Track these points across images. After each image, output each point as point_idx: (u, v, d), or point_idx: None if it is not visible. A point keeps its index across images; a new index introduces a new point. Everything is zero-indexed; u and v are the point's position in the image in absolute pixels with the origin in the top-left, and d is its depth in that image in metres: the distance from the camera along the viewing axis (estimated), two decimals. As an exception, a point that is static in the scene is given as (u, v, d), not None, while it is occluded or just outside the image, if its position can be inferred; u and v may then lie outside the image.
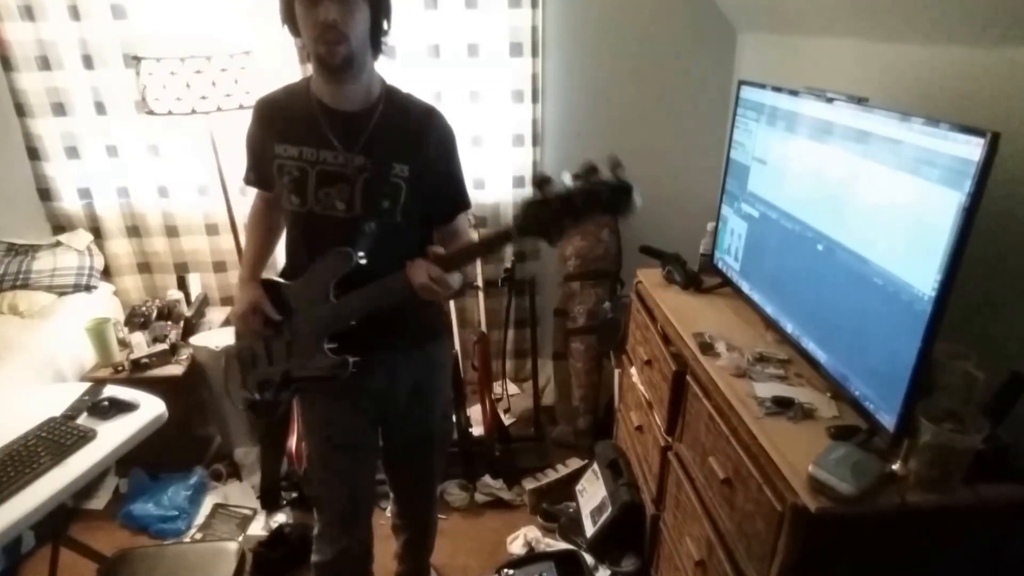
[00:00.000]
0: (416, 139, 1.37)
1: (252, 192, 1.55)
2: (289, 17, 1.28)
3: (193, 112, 2.15)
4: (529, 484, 2.37)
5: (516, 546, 2.15)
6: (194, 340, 2.42)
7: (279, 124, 1.37)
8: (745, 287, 1.78)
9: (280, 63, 2.31)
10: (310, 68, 1.35)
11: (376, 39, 1.31)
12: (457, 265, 1.32)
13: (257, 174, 1.48)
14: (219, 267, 2.69)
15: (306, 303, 1.40)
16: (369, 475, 1.62)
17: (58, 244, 2.54)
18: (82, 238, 2.57)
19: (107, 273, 2.65)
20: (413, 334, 1.49)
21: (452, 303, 2.57)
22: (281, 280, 1.46)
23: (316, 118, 1.34)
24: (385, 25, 1.31)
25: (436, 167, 1.41)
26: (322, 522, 1.63)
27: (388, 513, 1.97)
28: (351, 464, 1.57)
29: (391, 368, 1.48)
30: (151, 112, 2.16)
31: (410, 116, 1.38)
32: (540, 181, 1.21)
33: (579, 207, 1.18)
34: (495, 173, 2.62)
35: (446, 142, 1.43)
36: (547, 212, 1.19)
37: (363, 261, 1.32)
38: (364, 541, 1.68)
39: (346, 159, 1.33)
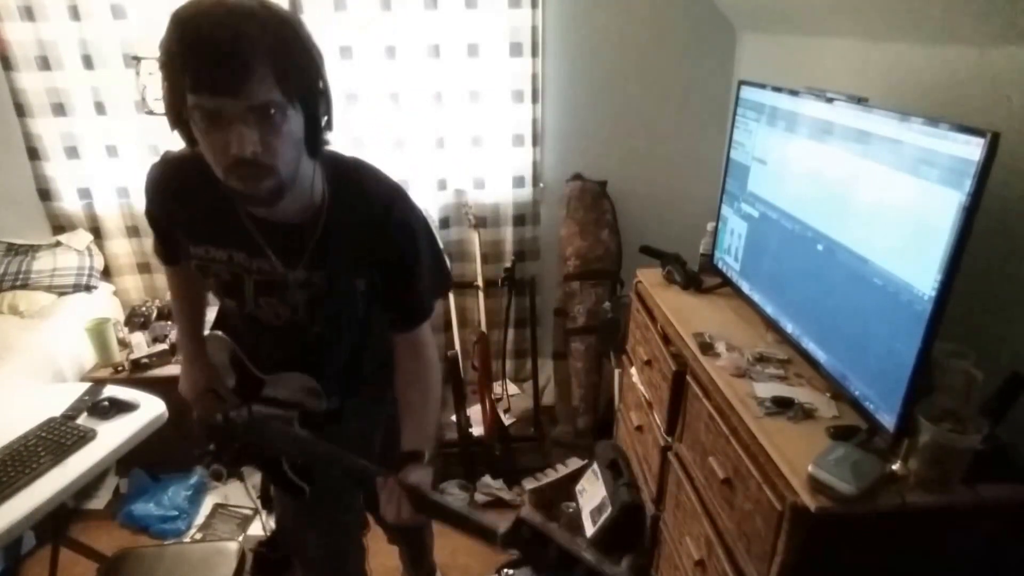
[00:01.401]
0: (372, 249, 1.10)
1: None
2: (179, 122, 0.92)
3: (193, 112, 2.15)
4: (529, 484, 2.36)
5: (516, 546, 2.15)
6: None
7: (195, 221, 1.09)
8: (745, 287, 1.78)
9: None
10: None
11: (314, 142, 0.99)
12: (431, 515, 1.12)
13: (169, 256, 1.26)
14: (219, 267, 2.69)
15: (269, 406, 1.27)
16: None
17: (58, 244, 2.54)
18: (82, 238, 2.57)
19: (107, 273, 2.65)
20: (377, 388, 1.35)
21: (452, 302, 2.57)
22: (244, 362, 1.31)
23: (242, 224, 1.06)
24: (324, 120, 1.00)
25: (397, 277, 1.15)
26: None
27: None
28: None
29: (363, 415, 1.35)
30: (151, 112, 2.16)
31: (363, 220, 1.08)
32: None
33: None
34: (495, 173, 2.62)
35: (409, 245, 1.12)
36: (540, 551, 1.03)
37: (333, 406, 1.23)
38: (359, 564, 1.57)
39: (284, 275, 1.09)
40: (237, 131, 0.87)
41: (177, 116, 0.91)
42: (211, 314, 1.41)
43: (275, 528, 1.57)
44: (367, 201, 1.09)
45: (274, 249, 1.08)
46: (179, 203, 1.10)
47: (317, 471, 1.30)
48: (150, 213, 1.19)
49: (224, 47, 0.83)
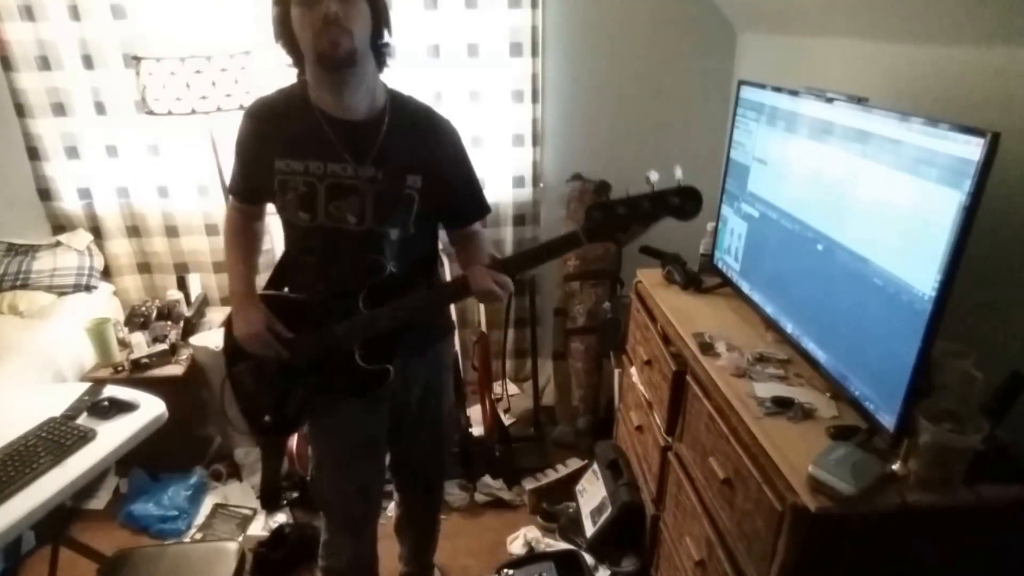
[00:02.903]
0: (427, 148, 1.34)
1: None
2: (284, 31, 1.23)
3: (193, 112, 2.15)
4: (529, 484, 2.37)
5: (516, 546, 2.15)
6: (194, 340, 2.42)
7: (279, 137, 1.30)
8: (745, 287, 1.78)
9: (280, 63, 2.31)
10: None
11: (377, 46, 1.27)
12: (520, 270, 1.32)
13: (248, 187, 1.41)
14: (219, 267, 2.69)
15: (331, 316, 1.35)
16: (381, 479, 1.63)
17: (58, 244, 2.54)
18: (82, 238, 2.57)
19: (107, 273, 2.65)
20: (425, 335, 1.50)
21: (445, 308, 2.57)
22: (292, 295, 1.43)
23: (322, 129, 1.28)
24: (386, 34, 1.28)
25: (449, 175, 1.37)
26: (330, 530, 1.61)
27: (390, 514, 1.97)
28: (367, 468, 1.56)
29: (404, 370, 1.46)
30: (151, 112, 2.16)
31: (417, 123, 1.35)
32: (600, 187, 1.38)
33: (647, 211, 1.18)
34: (495, 173, 2.61)
35: (457, 146, 1.39)
36: (613, 216, 1.16)
37: (394, 270, 1.34)
38: (373, 545, 1.68)
39: (356, 171, 1.29)
40: (327, 3, 1.15)
41: (283, 24, 1.21)
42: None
43: (311, 479, 1.61)
44: (418, 108, 1.37)
45: (347, 147, 1.29)
46: (271, 123, 1.31)
47: (392, 355, 1.40)
48: (243, 145, 1.36)
49: None
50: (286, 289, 1.47)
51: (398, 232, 1.34)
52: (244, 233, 1.48)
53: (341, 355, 1.36)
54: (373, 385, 1.40)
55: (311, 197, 1.30)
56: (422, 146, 1.33)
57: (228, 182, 1.43)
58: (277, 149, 1.30)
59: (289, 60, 1.30)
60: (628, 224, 1.16)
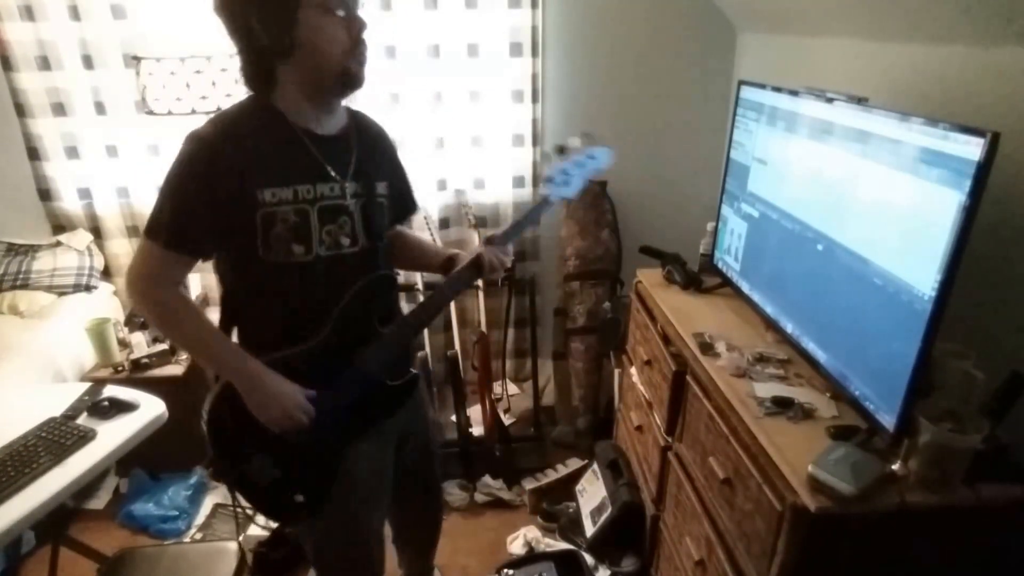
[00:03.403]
0: (384, 154, 1.35)
1: None
2: (282, 41, 1.09)
3: (193, 112, 2.15)
4: (529, 484, 2.37)
5: (516, 546, 2.15)
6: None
7: (258, 164, 1.12)
8: (745, 287, 1.78)
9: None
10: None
11: None
12: (510, 239, 1.42)
13: (202, 233, 1.14)
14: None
15: (345, 352, 1.25)
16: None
17: (58, 244, 2.54)
18: (82, 238, 2.57)
19: (107, 273, 2.65)
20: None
21: (452, 303, 2.57)
22: (300, 348, 1.22)
23: (305, 148, 1.18)
24: None
25: (398, 176, 1.41)
26: None
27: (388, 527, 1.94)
28: (384, 503, 1.47)
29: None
30: (151, 112, 2.16)
31: (373, 130, 1.35)
32: (560, 148, 1.51)
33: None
34: (495, 173, 2.62)
35: (395, 147, 1.43)
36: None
37: (400, 278, 1.35)
38: None
39: (343, 189, 1.22)
40: (359, 17, 1.12)
41: (284, 33, 1.08)
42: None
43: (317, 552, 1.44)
44: (365, 115, 1.36)
45: (332, 164, 1.21)
46: (243, 149, 1.12)
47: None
48: (200, 177, 1.11)
49: None
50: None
51: (382, 243, 1.31)
52: (187, 299, 1.24)
53: (372, 385, 1.30)
54: (404, 399, 1.38)
55: (305, 226, 1.17)
56: (381, 153, 1.34)
57: (155, 230, 1.12)
58: (257, 178, 1.12)
59: (236, 73, 1.18)
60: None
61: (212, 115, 1.17)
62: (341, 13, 1.11)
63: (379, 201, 1.30)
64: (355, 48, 1.13)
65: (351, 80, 1.16)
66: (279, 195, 1.14)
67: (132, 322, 2.52)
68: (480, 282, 2.56)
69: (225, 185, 1.11)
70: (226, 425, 1.21)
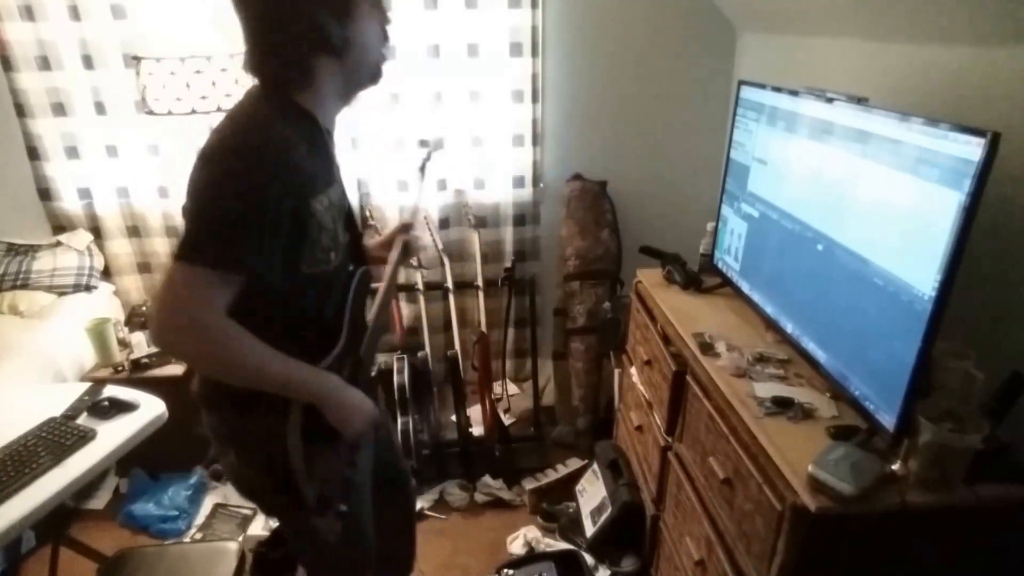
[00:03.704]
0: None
1: None
2: (347, 25, 1.04)
3: (193, 112, 2.15)
4: (529, 484, 2.37)
5: (516, 546, 2.15)
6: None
7: (309, 173, 1.06)
8: (745, 287, 1.78)
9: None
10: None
11: None
12: (417, 219, 1.51)
13: (250, 254, 0.99)
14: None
15: (355, 348, 1.27)
16: None
17: (58, 244, 2.54)
18: (82, 238, 2.57)
19: (107, 273, 2.65)
20: None
21: (452, 302, 2.57)
22: (332, 354, 1.19)
23: (329, 150, 1.16)
24: None
25: None
26: None
27: None
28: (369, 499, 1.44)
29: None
30: (151, 112, 2.16)
31: None
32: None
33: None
34: (495, 173, 2.62)
35: None
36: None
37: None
38: None
39: (341, 186, 1.21)
40: (382, 8, 1.09)
41: (343, 23, 1.03)
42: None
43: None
44: None
45: (337, 163, 1.20)
46: (303, 157, 1.04)
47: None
48: (273, 202, 0.98)
49: None
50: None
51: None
52: (238, 325, 1.04)
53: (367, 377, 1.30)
54: (376, 384, 1.40)
55: (335, 232, 1.13)
56: None
57: (199, 250, 0.97)
58: (310, 187, 1.06)
59: (238, 73, 1.17)
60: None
61: (246, 120, 1.04)
62: (379, 11, 1.10)
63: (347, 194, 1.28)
64: (387, 41, 1.13)
65: (380, 75, 1.15)
66: (323, 202, 1.09)
67: (132, 322, 2.52)
68: (480, 281, 2.57)
69: (287, 198, 1.00)
70: (319, 451, 1.16)
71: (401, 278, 2.65)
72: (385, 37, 1.13)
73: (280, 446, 1.12)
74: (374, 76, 1.15)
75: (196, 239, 0.97)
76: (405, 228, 1.47)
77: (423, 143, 1.72)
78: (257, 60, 1.06)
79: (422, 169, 1.68)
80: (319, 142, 1.11)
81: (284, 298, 1.10)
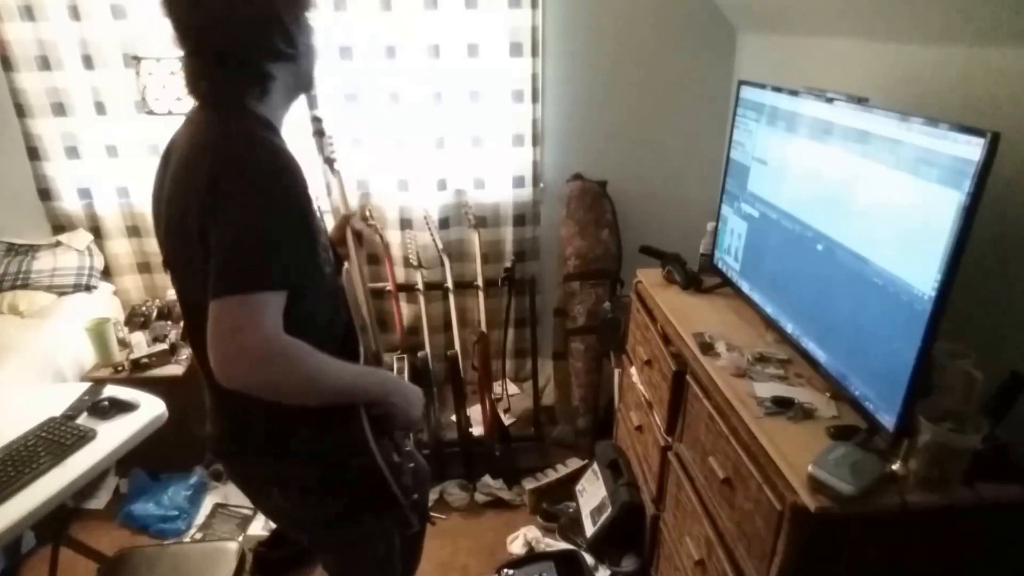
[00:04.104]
0: None
1: None
2: (288, 40, 1.03)
3: (193, 112, 2.15)
4: (529, 484, 2.37)
5: (516, 546, 2.15)
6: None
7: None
8: (745, 287, 1.78)
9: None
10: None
11: None
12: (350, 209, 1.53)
13: (305, 265, 1.03)
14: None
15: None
16: None
17: (58, 244, 2.54)
18: (82, 238, 2.57)
19: (107, 273, 2.65)
20: None
21: (452, 302, 2.57)
22: (361, 352, 1.20)
23: None
24: None
25: None
26: None
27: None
28: None
29: None
30: (151, 112, 2.16)
31: None
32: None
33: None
34: (495, 173, 2.61)
35: None
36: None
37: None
38: None
39: None
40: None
41: (287, 32, 1.01)
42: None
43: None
44: None
45: None
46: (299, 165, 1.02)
47: None
48: (304, 209, 0.99)
49: None
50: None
51: None
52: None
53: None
54: None
55: (327, 242, 1.14)
56: None
57: (259, 276, 0.94)
58: (311, 198, 1.04)
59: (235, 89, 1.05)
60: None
61: (240, 141, 0.99)
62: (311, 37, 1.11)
63: None
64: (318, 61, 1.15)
65: (312, 86, 1.17)
66: (318, 214, 1.08)
67: (132, 322, 2.52)
68: (480, 281, 2.57)
69: (311, 208, 1.01)
70: (391, 451, 1.18)
71: (400, 277, 2.66)
72: (318, 50, 1.15)
73: (364, 451, 1.13)
74: (311, 83, 1.15)
75: (250, 266, 0.93)
76: (347, 219, 1.45)
77: (315, 120, 1.59)
78: (211, 71, 1.02)
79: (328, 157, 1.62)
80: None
81: (313, 310, 1.08)
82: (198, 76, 1.03)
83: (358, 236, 1.45)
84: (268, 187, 0.95)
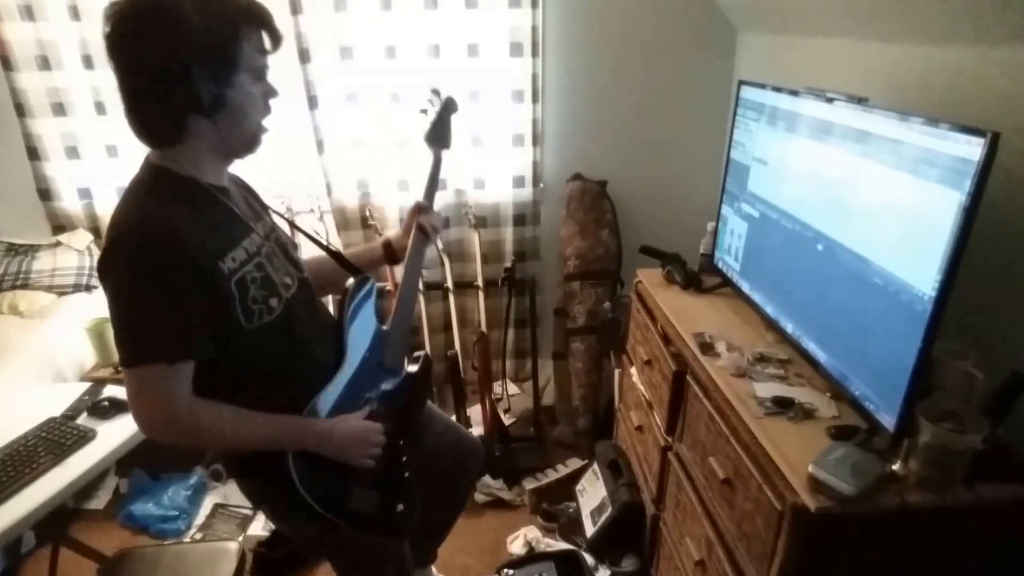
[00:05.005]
0: (249, 190, 1.35)
1: None
2: (222, 89, 1.05)
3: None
4: (529, 484, 2.37)
5: (516, 546, 2.15)
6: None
7: (207, 239, 1.07)
8: (745, 287, 1.78)
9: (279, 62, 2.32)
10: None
11: None
12: (432, 201, 1.53)
13: (197, 335, 1.06)
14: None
15: (367, 359, 1.32)
16: None
17: (58, 244, 2.54)
18: (82, 238, 2.57)
19: (107, 273, 2.65)
20: None
21: (452, 302, 2.57)
22: (327, 388, 1.24)
23: (225, 205, 1.16)
24: None
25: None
26: None
27: None
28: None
29: None
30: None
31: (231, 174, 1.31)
32: (423, 111, 1.64)
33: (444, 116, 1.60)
34: (495, 173, 2.61)
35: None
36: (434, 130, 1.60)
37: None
38: None
39: (259, 233, 1.21)
40: (267, 83, 1.13)
41: (220, 95, 1.05)
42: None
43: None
44: None
45: (243, 214, 1.20)
46: (192, 225, 1.05)
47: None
48: (170, 284, 1.01)
49: (270, 15, 1.10)
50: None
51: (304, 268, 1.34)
52: (208, 401, 1.10)
53: (395, 377, 1.41)
54: (427, 375, 1.50)
55: (268, 279, 1.16)
56: (247, 190, 1.33)
57: (150, 351, 1.02)
58: (211, 251, 1.07)
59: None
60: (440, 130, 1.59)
61: (125, 215, 1.06)
62: (263, 84, 1.13)
63: (280, 233, 1.31)
64: (268, 112, 1.16)
65: (255, 145, 1.17)
66: (237, 258, 1.11)
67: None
68: (480, 281, 2.57)
69: (190, 274, 1.03)
70: (317, 477, 1.19)
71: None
72: (266, 108, 1.15)
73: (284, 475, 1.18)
74: (250, 144, 1.15)
75: (139, 341, 1.03)
76: (418, 209, 1.49)
77: (435, 92, 1.64)
78: (130, 113, 1.11)
79: (432, 135, 1.58)
80: (210, 201, 1.13)
81: (249, 354, 1.14)
82: (129, 123, 1.13)
83: (421, 230, 1.46)
84: (133, 269, 1.01)
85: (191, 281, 1.03)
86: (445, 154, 1.59)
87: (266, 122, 1.17)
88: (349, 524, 1.24)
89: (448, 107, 1.61)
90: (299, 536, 1.40)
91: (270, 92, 1.15)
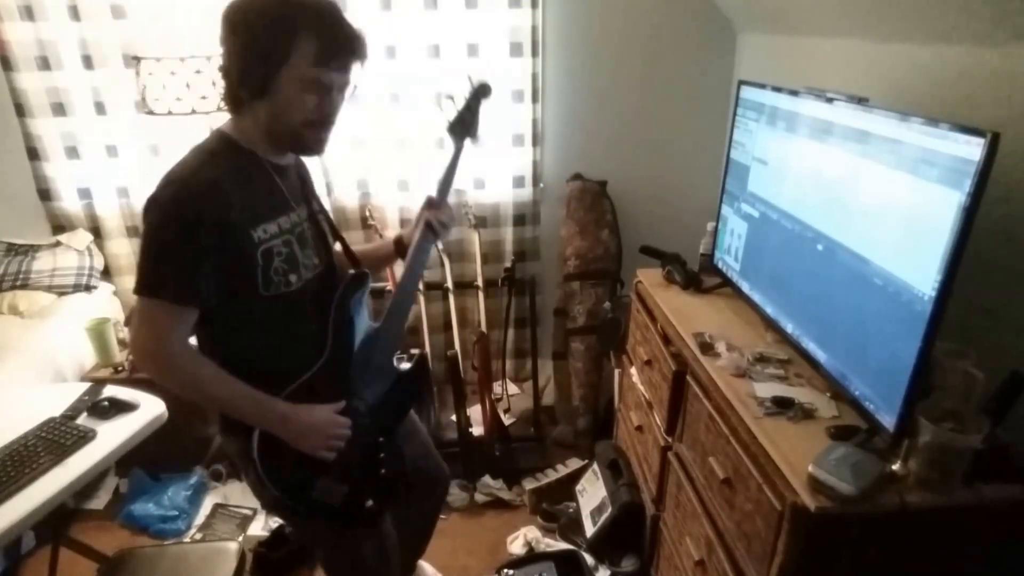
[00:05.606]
0: (308, 177, 1.42)
1: None
2: (260, 86, 1.14)
3: (193, 112, 2.15)
4: (529, 484, 2.37)
5: (516, 546, 2.15)
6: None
7: (247, 204, 1.16)
8: (745, 287, 1.78)
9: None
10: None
11: None
12: (445, 196, 1.51)
13: (205, 287, 1.13)
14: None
15: (348, 360, 1.33)
16: None
17: (58, 244, 2.54)
18: (82, 238, 2.57)
19: (107, 273, 2.65)
20: None
21: (452, 302, 2.57)
22: (306, 375, 1.27)
23: (274, 181, 1.24)
24: None
25: (318, 197, 1.46)
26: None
27: None
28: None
29: None
30: (151, 112, 2.16)
31: (299, 159, 1.39)
32: (449, 96, 1.60)
33: (472, 104, 1.59)
34: (495, 173, 2.62)
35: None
36: (460, 118, 1.56)
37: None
38: None
39: (299, 215, 1.29)
40: (332, 98, 1.19)
41: (264, 77, 1.12)
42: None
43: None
44: None
45: (291, 192, 1.28)
46: (237, 191, 1.15)
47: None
48: (194, 235, 1.10)
49: (354, 34, 1.22)
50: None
51: (333, 258, 1.41)
52: (202, 356, 1.21)
53: (389, 375, 1.42)
54: (423, 374, 1.49)
55: (293, 255, 1.24)
56: (308, 175, 1.42)
57: (158, 286, 1.12)
58: (248, 218, 1.16)
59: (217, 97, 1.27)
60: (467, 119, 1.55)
61: (181, 166, 1.17)
62: (315, 99, 1.17)
63: (321, 220, 1.38)
64: (318, 123, 1.20)
65: (302, 146, 1.23)
66: (269, 230, 1.20)
67: (132, 322, 2.52)
68: (480, 281, 2.56)
69: (219, 230, 1.11)
70: (280, 462, 1.23)
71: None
72: (318, 116, 1.18)
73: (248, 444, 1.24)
74: (295, 140, 1.21)
75: (152, 275, 1.12)
76: (428, 205, 1.48)
77: (468, 79, 1.60)
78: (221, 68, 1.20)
79: (457, 125, 1.54)
80: (261, 174, 1.22)
81: (258, 319, 1.22)
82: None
83: (428, 226, 1.44)
84: (165, 221, 1.10)
85: (217, 237, 1.11)
86: (441, 153, 1.61)
87: (327, 131, 1.22)
88: (309, 511, 1.28)
89: (480, 93, 1.55)
90: (264, 503, 1.44)
91: (323, 105, 1.18)
